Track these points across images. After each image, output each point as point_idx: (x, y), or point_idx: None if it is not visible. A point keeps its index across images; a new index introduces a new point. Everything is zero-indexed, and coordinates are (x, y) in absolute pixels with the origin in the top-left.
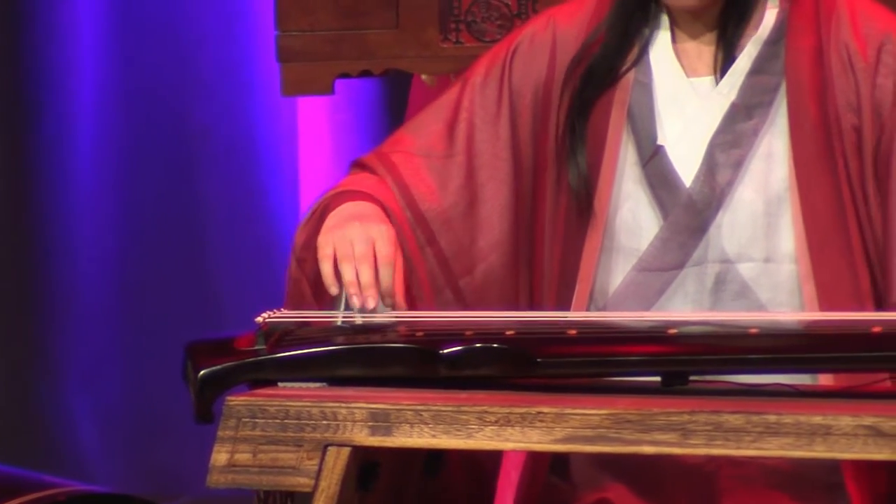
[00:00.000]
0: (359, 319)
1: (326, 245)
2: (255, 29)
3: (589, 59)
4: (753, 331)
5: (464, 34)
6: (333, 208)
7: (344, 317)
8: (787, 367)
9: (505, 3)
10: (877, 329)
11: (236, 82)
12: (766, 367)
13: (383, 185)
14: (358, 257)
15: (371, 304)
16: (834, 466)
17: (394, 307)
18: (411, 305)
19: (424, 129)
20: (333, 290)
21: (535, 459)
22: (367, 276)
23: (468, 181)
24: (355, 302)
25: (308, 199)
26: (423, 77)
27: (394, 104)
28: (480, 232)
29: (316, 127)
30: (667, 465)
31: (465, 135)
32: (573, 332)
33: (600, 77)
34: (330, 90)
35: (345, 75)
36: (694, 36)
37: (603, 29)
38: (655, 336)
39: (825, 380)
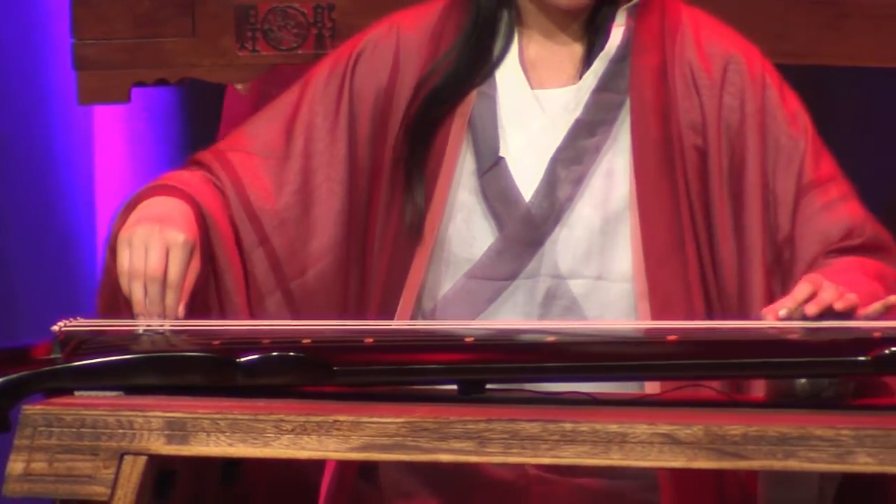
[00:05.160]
0: (141, 328)
1: (123, 249)
2: (51, 37)
3: (436, 81)
4: (550, 339)
5: (260, 42)
6: (144, 199)
7: (128, 325)
8: (581, 375)
9: (301, 12)
10: (672, 338)
11: (32, 90)
12: (561, 375)
13: (207, 184)
14: (148, 273)
15: (157, 324)
16: (649, 485)
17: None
18: (225, 313)
19: (263, 128)
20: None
21: (342, 465)
22: (154, 294)
23: (304, 183)
24: (141, 320)
25: (104, 207)
26: (237, 86)
27: (190, 112)
28: (314, 235)
29: (112, 135)
30: (476, 477)
31: (303, 136)
32: (370, 340)
33: (446, 97)
34: (126, 98)
35: (141, 84)
36: (544, 48)
37: (453, 54)
38: (452, 344)
39: (651, 388)
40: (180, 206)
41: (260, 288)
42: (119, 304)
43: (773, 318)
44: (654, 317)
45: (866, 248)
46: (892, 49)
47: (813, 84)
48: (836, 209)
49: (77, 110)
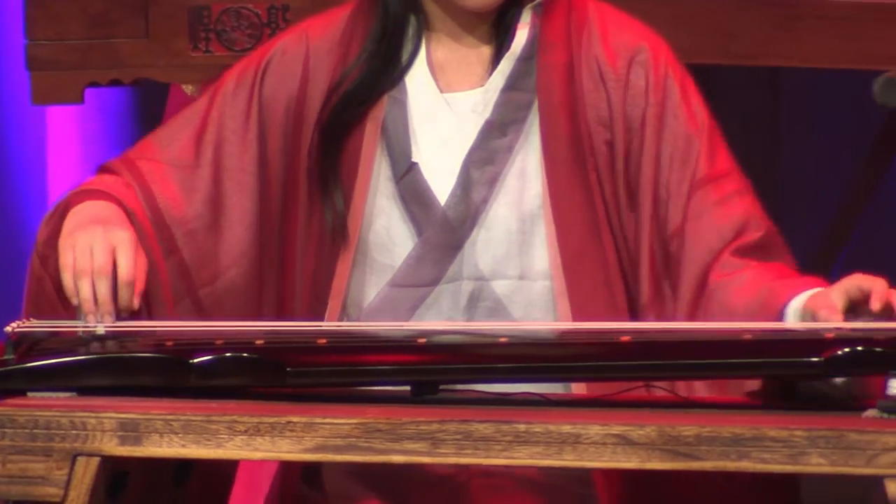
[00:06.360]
0: (101, 329)
1: (67, 252)
2: (4, 38)
3: (347, 86)
4: (503, 340)
5: (214, 43)
6: (74, 205)
7: (84, 328)
8: (536, 376)
9: (255, 13)
10: (625, 338)
11: None
12: (515, 376)
13: (128, 188)
14: (96, 270)
15: (108, 320)
16: (586, 479)
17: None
18: (152, 312)
19: (173, 137)
20: (75, 300)
21: (286, 469)
22: (103, 291)
23: (214, 192)
24: (90, 320)
25: None
26: (185, 87)
27: (144, 113)
28: (224, 244)
29: (65, 136)
30: (419, 476)
31: (212, 146)
32: (323, 341)
33: (358, 102)
34: (80, 99)
35: (94, 84)
36: (452, 50)
37: (362, 59)
38: (405, 345)
39: (577, 389)
40: (113, 207)
41: (171, 294)
42: (50, 308)
43: (840, 319)
44: (575, 315)
45: (764, 247)
46: (844, 50)
47: (764, 84)
48: (731, 204)
49: (30, 111)
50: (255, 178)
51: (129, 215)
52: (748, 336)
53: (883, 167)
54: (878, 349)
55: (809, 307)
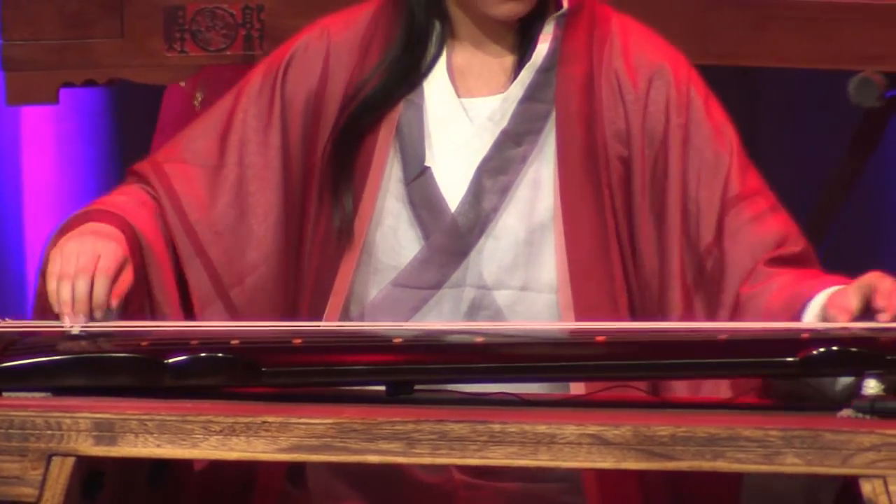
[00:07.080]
0: (76, 329)
1: (55, 260)
2: None
3: (367, 92)
4: (479, 340)
5: (189, 43)
6: (75, 227)
7: (61, 328)
8: (511, 375)
9: (230, 13)
10: (601, 338)
11: None
12: (490, 376)
13: (141, 197)
14: (77, 271)
15: (81, 319)
16: (574, 487)
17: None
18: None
19: (198, 138)
20: (56, 307)
21: (269, 468)
22: (81, 289)
23: (239, 191)
24: (66, 321)
25: (32, 209)
26: (182, 83)
27: (119, 113)
28: (250, 242)
29: (40, 136)
30: (404, 479)
31: (237, 145)
32: (298, 341)
33: (376, 107)
34: (54, 99)
35: (69, 84)
36: (475, 56)
37: (384, 66)
38: (380, 345)
39: (576, 388)
40: (113, 230)
41: (201, 297)
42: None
43: (846, 319)
44: None
45: (802, 259)
46: (816, 50)
47: (739, 85)
48: (767, 220)
49: (5, 111)
50: (279, 176)
51: (137, 236)
52: (723, 336)
53: (859, 167)
54: (853, 349)
55: (826, 304)
